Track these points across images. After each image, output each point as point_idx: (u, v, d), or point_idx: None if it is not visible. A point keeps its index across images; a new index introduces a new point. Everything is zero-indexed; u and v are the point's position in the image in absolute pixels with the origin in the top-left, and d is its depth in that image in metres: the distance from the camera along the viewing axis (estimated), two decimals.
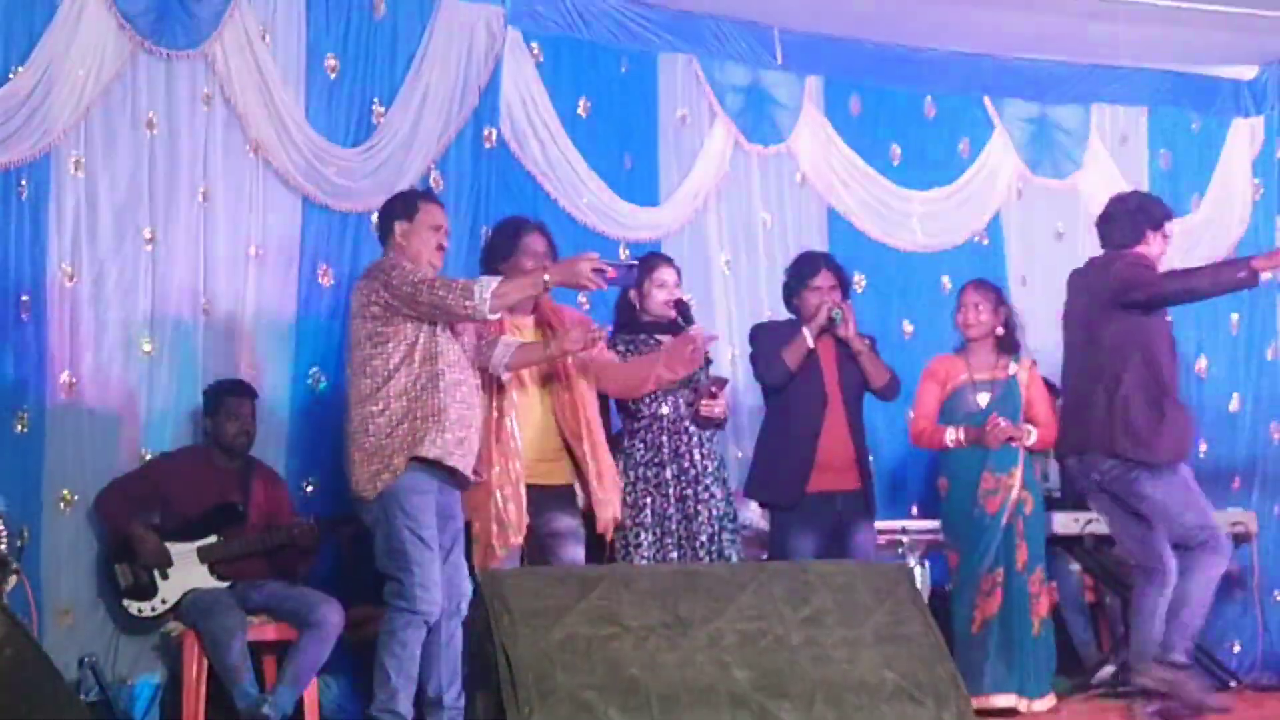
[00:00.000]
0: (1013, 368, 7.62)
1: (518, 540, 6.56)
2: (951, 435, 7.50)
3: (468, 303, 6.02)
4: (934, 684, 5.38)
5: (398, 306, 6.15)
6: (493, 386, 6.58)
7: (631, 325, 7.23)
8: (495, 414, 6.57)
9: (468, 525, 6.49)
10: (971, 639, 7.34)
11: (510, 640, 4.94)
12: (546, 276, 6.19)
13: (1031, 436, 7.49)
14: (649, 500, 6.98)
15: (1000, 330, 7.66)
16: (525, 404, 6.70)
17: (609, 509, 6.68)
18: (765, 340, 7.46)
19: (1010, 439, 7.41)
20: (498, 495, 6.51)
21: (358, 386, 6.24)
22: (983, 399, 7.54)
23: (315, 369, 7.71)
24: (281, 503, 7.30)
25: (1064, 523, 8.18)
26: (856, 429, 7.39)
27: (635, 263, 6.46)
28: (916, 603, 5.59)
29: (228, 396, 7.21)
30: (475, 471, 6.32)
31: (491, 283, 6.08)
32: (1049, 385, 8.95)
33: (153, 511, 7.11)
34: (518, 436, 6.60)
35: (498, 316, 6.18)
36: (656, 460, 7.01)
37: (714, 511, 7.02)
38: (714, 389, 7.03)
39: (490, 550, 6.51)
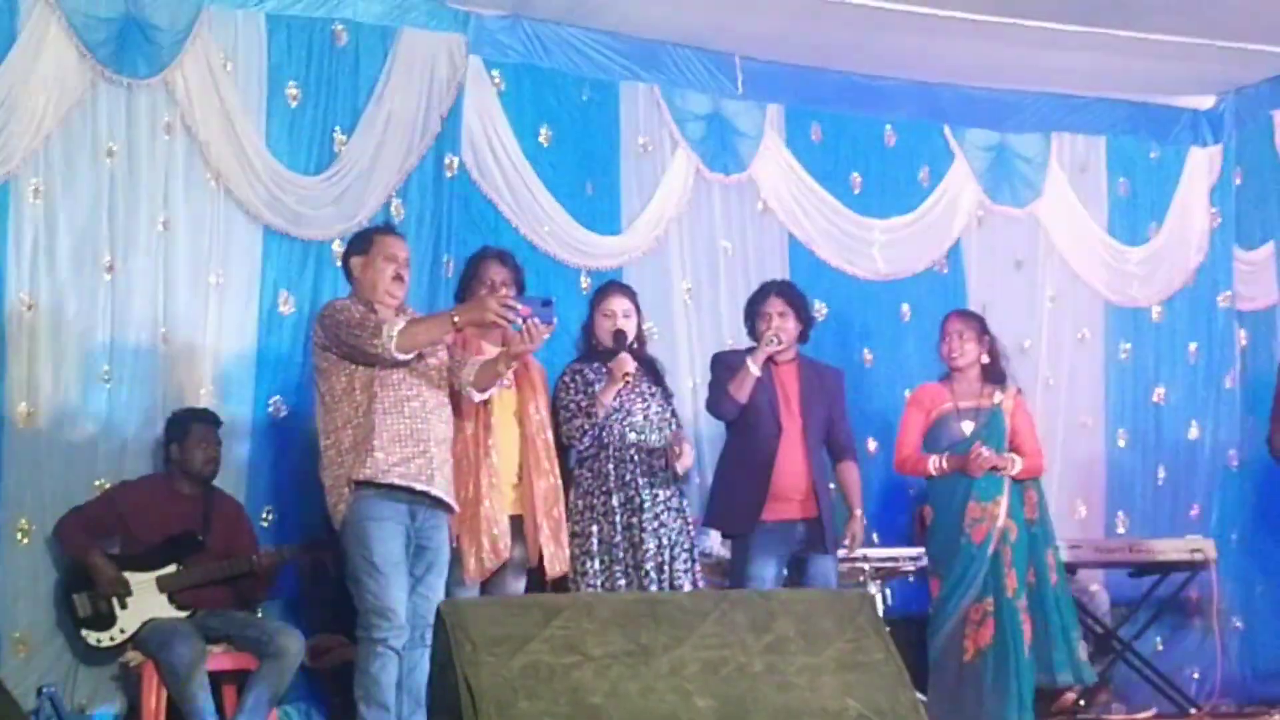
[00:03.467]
0: (998, 396, 7.63)
1: (506, 554, 6.61)
2: (934, 464, 7.50)
3: (375, 341, 6.09)
4: (895, 711, 5.37)
5: (329, 345, 6.25)
6: (478, 405, 6.60)
7: (589, 354, 7.25)
8: (483, 432, 6.62)
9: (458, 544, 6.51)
10: (964, 667, 7.33)
11: (472, 669, 4.92)
12: (456, 318, 6.21)
13: (1016, 465, 7.49)
14: (595, 528, 6.98)
15: (985, 359, 7.67)
16: (500, 429, 6.73)
17: (558, 566, 6.77)
18: (719, 372, 7.46)
19: (994, 468, 7.42)
20: (487, 504, 6.55)
21: (317, 420, 6.37)
22: (967, 427, 7.55)
23: (276, 397, 7.69)
24: (242, 531, 7.27)
25: None
26: (814, 458, 7.39)
27: (550, 299, 6.41)
28: (878, 630, 5.58)
29: (196, 424, 7.19)
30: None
31: (399, 323, 6.13)
32: None
33: (113, 540, 7.07)
34: (497, 454, 6.65)
35: (406, 357, 6.16)
36: (603, 488, 7.01)
37: (663, 540, 7.01)
38: (677, 447, 7.06)
39: (481, 562, 6.56)
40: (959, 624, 7.36)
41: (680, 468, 7.12)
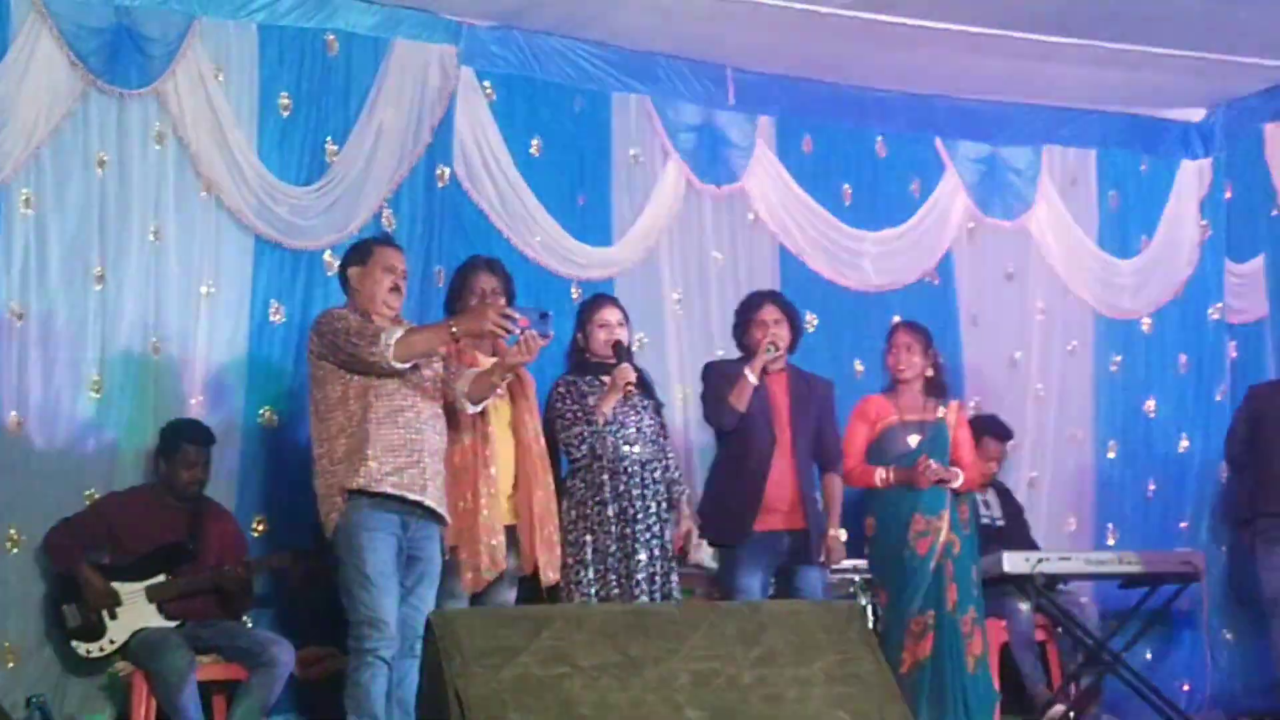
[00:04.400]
0: (941, 410, 7.64)
1: (504, 565, 6.62)
2: (881, 475, 7.50)
3: (373, 350, 6.10)
4: None
5: (326, 354, 6.24)
6: (476, 417, 6.61)
7: (580, 366, 7.25)
8: (480, 443, 6.63)
9: (454, 555, 6.52)
10: (901, 679, 7.33)
11: (462, 680, 4.92)
12: (454, 328, 6.22)
13: (959, 479, 7.51)
14: (589, 538, 6.99)
15: (929, 372, 7.68)
16: (496, 439, 6.74)
17: (552, 575, 6.78)
18: (715, 381, 7.46)
19: (940, 480, 7.43)
20: (485, 514, 6.56)
21: (311, 429, 6.37)
22: (913, 440, 7.55)
23: (266, 407, 7.68)
24: (234, 541, 7.27)
25: (1014, 562, 8.20)
26: (803, 470, 7.40)
27: (548, 312, 6.42)
28: (868, 642, 5.58)
29: (187, 444, 7.18)
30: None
31: (397, 331, 6.14)
32: (1000, 425, 9.06)
33: (102, 550, 7.07)
34: (495, 465, 6.65)
35: (405, 366, 6.16)
36: (598, 499, 7.01)
37: (655, 551, 7.02)
38: (684, 544, 7.25)
39: (479, 573, 6.56)
40: (899, 636, 7.37)
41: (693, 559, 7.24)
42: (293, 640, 7.09)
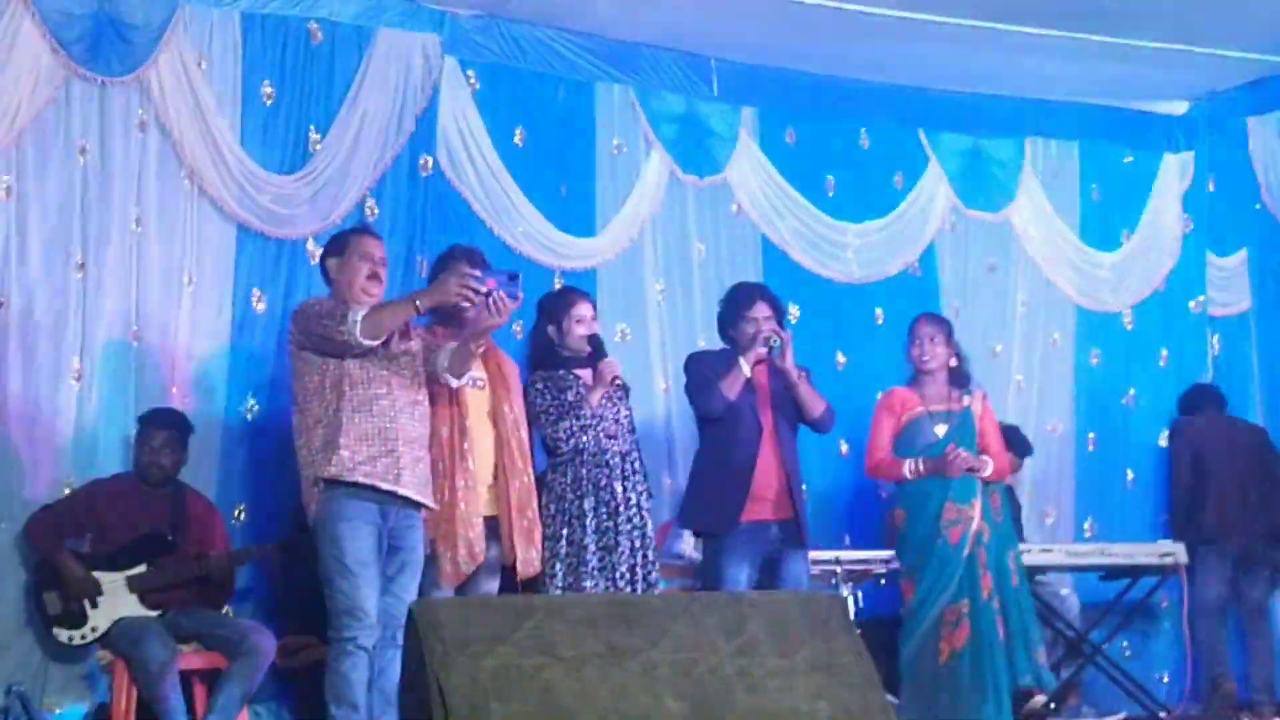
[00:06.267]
0: (966, 399, 7.65)
1: (482, 557, 6.61)
2: (910, 466, 7.52)
3: (341, 328, 6.10)
4: (866, 714, 5.38)
5: (303, 341, 6.25)
6: (452, 408, 6.61)
7: (550, 361, 7.23)
8: (458, 436, 6.63)
9: (433, 548, 6.50)
10: (939, 669, 7.34)
11: (443, 670, 4.92)
12: (419, 301, 6.23)
13: (989, 467, 7.52)
14: (565, 531, 6.98)
15: (953, 362, 7.70)
16: (475, 430, 6.72)
17: (529, 567, 6.77)
18: (702, 370, 7.46)
19: (970, 469, 7.44)
20: (463, 507, 6.55)
21: (292, 420, 6.35)
22: (940, 430, 7.57)
23: (248, 395, 7.67)
24: (215, 530, 7.26)
25: None
26: (788, 459, 7.39)
27: (517, 273, 6.40)
28: (849, 632, 5.59)
29: (144, 426, 7.18)
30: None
31: (362, 309, 6.13)
32: (1022, 440, 9.08)
33: (83, 538, 7.05)
34: (473, 457, 6.64)
35: (374, 342, 6.14)
36: (576, 492, 7.02)
37: (636, 542, 7.02)
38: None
39: (457, 565, 6.56)
40: (934, 626, 7.38)
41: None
42: (274, 629, 7.08)
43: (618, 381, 7.06)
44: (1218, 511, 8.90)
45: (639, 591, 6.92)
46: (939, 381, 7.68)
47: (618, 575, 6.94)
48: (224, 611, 7.29)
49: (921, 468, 7.49)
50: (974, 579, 7.37)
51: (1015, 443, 9.01)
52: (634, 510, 7.05)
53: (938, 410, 7.62)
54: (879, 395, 7.89)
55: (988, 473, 7.50)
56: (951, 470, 7.41)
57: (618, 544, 6.97)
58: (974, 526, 7.40)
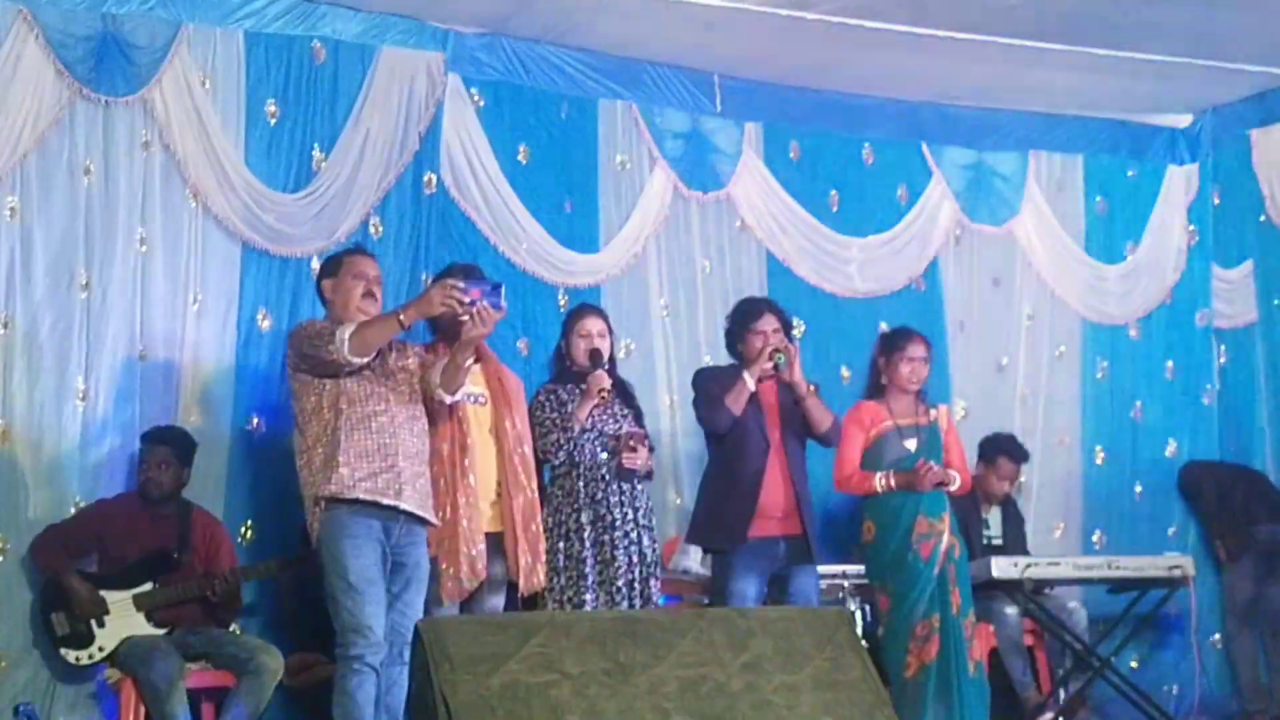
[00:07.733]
0: (932, 414, 7.64)
1: (484, 574, 6.60)
2: (880, 480, 7.49)
3: (330, 347, 6.09)
4: None
5: (298, 363, 6.26)
6: (452, 424, 6.61)
7: (559, 375, 7.26)
8: (459, 452, 6.62)
9: (435, 564, 6.50)
10: (906, 684, 7.34)
11: (450, 687, 4.92)
12: (402, 315, 6.21)
13: (957, 481, 7.51)
14: (561, 545, 6.98)
15: None
16: (478, 446, 6.72)
17: (534, 582, 6.76)
18: (708, 385, 7.46)
19: (939, 483, 7.43)
20: (465, 524, 6.54)
21: (294, 440, 6.35)
22: (910, 444, 7.56)
23: (254, 413, 7.68)
24: (221, 548, 7.26)
25: (1003, 567, 8.21)
26: (797, 473, 7.38)
27: (500, 284, 6.38)
28: (856, 648, 5.60)
29: (145, 444, 7.20)
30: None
31: (350, 326, 6.13)
32: (1016, 446, 9.12)
33: (90, 557, 7.06)
34: (474, 474, 6.64)
35: (363, 359, 6.14)
36: (573, 506, 7.02)
37: (633, 557, 7.02)
38: (633, 442, 7.06)
39: (459, 583, 6.54)
40: (903, 639, 7.37)
41: (629, 464, 7.08)
42: (281, 647, 7.07)
43: (605, 396, 7.03)
44: (1245, 513, 9.14)
45: (636, 605, 6.91)
46: (907, 396, 7.66)
47: (614, 590, 6.94)
48: (231, 629, 7.30)
49: (892, 481, 7.47)
50: (944, 594, 7.36)
51: (1010, 450, 9.01)
52: (630, 526, 7.04)
53: (906, 424, 7.60)
54: (848, 410, 7.84)
55: (955, 487, 7.50)
56: (922, 484, 7.40)
57: (614, 558, 6.97)
58: (944, 541, 7.39)
